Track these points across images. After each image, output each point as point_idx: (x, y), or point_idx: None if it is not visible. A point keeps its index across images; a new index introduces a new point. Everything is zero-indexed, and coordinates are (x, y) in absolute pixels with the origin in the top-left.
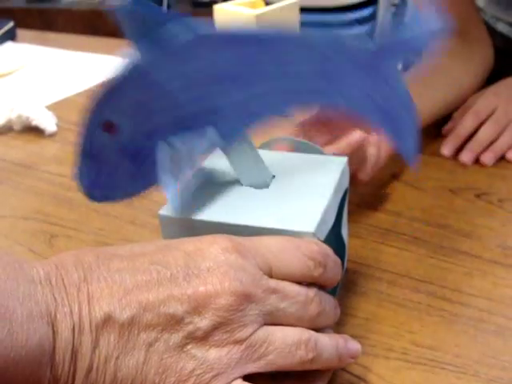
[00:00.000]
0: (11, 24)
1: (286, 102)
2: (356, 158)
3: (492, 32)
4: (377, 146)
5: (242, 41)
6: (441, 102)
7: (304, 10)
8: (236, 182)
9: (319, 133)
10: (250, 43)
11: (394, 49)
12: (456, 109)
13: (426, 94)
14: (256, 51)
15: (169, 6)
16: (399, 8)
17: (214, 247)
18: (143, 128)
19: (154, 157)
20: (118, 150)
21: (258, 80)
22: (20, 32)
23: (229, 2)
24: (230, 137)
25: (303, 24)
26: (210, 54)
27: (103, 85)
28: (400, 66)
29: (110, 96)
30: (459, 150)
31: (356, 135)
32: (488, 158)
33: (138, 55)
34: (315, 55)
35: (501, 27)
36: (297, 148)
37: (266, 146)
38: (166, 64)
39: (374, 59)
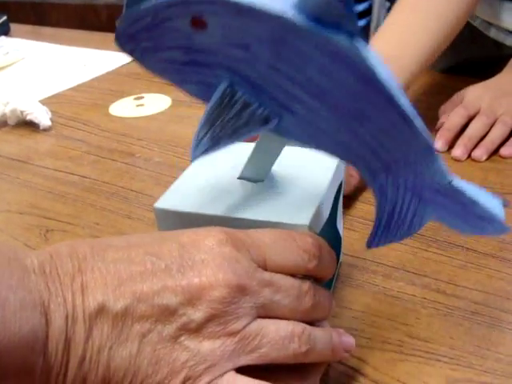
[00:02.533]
0: (4, 18)
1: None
2: None
3: (483, 39)
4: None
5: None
6: (435, 42)
7: None
8: (232, 175)
9: None
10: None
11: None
12: (449, 43)
13: (418, 39)
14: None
15: None
16: (394, 3)
17: (208, 239)
18: (230, 44)
19: (216, 83)
20: (197, 48)
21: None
22: (14, 26)
23: None
24: (281, 127)
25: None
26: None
27: None
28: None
29: None
30: (452, 144)
31: None
32: (480, 153)
33: None
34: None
35: (493, 33)
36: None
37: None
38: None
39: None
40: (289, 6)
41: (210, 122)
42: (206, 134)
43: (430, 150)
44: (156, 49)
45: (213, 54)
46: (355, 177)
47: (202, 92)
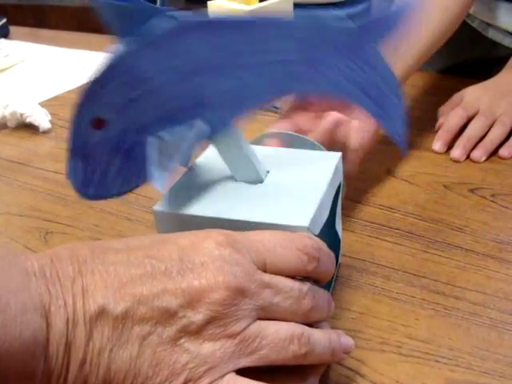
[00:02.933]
0: (4, 21)
1: (271, 90)
2: (338, 143)
3: (481, 39)
4: (359, 130)
5: (224, 28)
6: (437, 33)
7: (297, 5)
8: (230, 177)
9: (303, 119)
10: (232, 30)
11: (372, 29)
12: (450, 35)
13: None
14: (238, 39)
15: (163, 2)
16: None
17: (208, 242)
18: (132, 123)
19: (145, 152)
20: (108, 146)
21: (242, 68)
22: (13, 29)
23: None
24: (218, 128)
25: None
26: (194, 43)
27: (89, 81)
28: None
29: (96, 92)
30: (451, 145)
31: (329, 118)
32: (479, 154)
33: (123, 49)
34: (297, 41)
35: (491, 34)
36: (289, 142)
37: (258, 142)
38: (152, 56)
39: (355, 41)
40: None
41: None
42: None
43: None
44: (103, 175)
45: (123, 141)
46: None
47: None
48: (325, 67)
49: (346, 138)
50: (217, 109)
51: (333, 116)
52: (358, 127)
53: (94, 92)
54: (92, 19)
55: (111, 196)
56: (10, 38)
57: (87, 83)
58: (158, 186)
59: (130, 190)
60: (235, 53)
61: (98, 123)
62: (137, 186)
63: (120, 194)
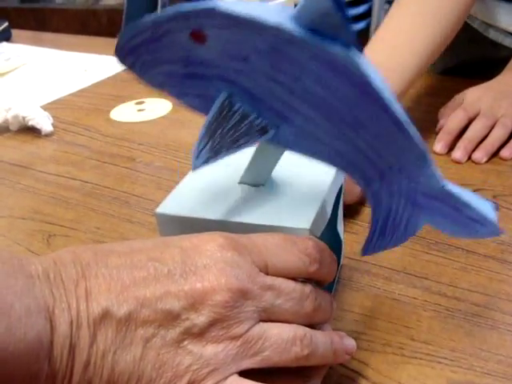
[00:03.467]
0: (6, 24)
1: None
2: None
3: (482, 40)
4: None
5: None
6: (433, 44)
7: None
8: (232, 179)
9: None
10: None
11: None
12: (446, 45)
13: (416, 41)
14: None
15: (164, 3)
16: None
17: (210, 244)
18: (228, 56)
19: (215, 95)
20: (196, 61)
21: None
22: (15, 32)
23: None
24: (281, 140)
25: None
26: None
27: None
28: None
29: (202, 8)
30: (452, 146)
31: None
32: (480, 155)
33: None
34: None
35: (492, 34)
36: None
37: None
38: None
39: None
40: (286, 18)
41: (210, 133)
42: (206, 144)
43: (423, 156)
44: (156, 62)
45: (212, 66)
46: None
47: (201, 104)
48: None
49: None
50: (295, 125)
51: None
52: None
53: (199, 7)
54: (93, 22)
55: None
56: (11, 42)
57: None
58: (196, 163)
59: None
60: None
61: (198, 36)
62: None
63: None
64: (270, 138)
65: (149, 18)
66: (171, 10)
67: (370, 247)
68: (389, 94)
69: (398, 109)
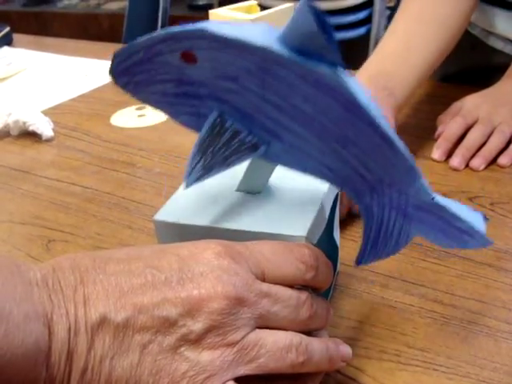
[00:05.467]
0: (7, 29)
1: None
2: None
3: (482, 47)
4: None
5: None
6: (435, 52)
7: None
8: (230, 187)
9: None
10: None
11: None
12: (448, 54)
13: (418, 50)
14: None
15: (165, 9)
16: (395, 11)
17: (207, 252)
18: (218, 76)
19: (207, 113)
20: (187, 81)
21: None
22: (16, 37)
23: (224, 7)
24: (271, 156)
25: None
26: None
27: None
28: None
29: (192, 30)
30: (450, 153)
31: None
32: (478, 162)
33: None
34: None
35: (492, 41)
36: None
37: None
38: (243, 63)
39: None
40: (273, 39)
41: (202, 150)
42: (199, 162)
43: (412, 169)
44: (148, 82)
45: (203, 85)
46: (344, 205)
47: (194, 122)
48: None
49: None
50: (273, 134)
51: None
52: None
53: (189, 28)
54: (95, 26)
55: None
56: (13, 46)
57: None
58: (188, 181)
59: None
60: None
61: (188, 56)
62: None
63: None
64: (261, 154)
65: (140, 39)
66: (162, 31)
67: (363, 258)
68: (376, 110)
69: (385, 124)
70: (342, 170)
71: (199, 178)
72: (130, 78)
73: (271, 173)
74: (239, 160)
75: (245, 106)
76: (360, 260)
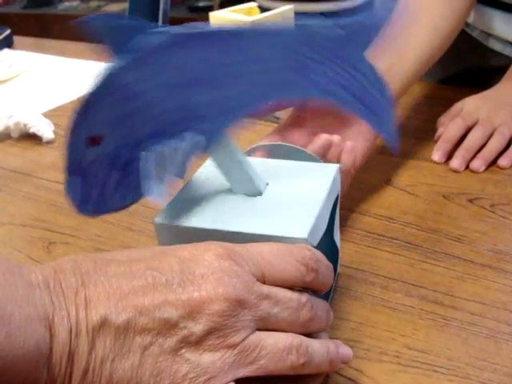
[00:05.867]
0: (8, 31)
1: (262, 98)
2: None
3: (482, 49)
4: (350, 152)
5: (211, 40)
6: (428, 53)
7: (299, 14)
8: (230, 189)
9: (296, 136)
10: (220, 41)
11: (359, 34)
12: (442, 54)
13: (411, 49)
14: (226, 50)
15: (165, 12)
16: None
17: (208, 254)
18: (127, 137)
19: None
20: (105, 162)
21: (229, 78)
22: (17, 39)
23: (224, 9)
24: (213, 139)
25: None
26: (181, 56)
27: (81, 101)
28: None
29: (90, 110)
30: (451, 155)
31: (320, 140)
32: (478, 164)
33: (113, 65)
34: (284, 49)
35: (491, 43)
36: (287, 154)
37: (247, 154)
38: (141, 71)
39: (342, 47)
40: None
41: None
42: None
43: None
44: (102, 190)
45: (117, 156)
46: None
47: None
48: (313, 73)
49: (337, 159)
50: (208, 120)
51: (323, 138)
52: (350, 148)
53: (87, 110)
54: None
55: (110, 211)
56: (14, 48)
57: (80, 103)
58: (156, 199)
59: (129, 205)
60: (222, 64)
61: (94, 140)
62: (134, 201)
63: (118, 208)
64: (205, 147)
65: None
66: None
67: (388, 136)
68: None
69: None
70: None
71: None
72: (89, 201)
73: (238, 161)
74: (187, 158)
75: (164, 125)
76: (390, 137)
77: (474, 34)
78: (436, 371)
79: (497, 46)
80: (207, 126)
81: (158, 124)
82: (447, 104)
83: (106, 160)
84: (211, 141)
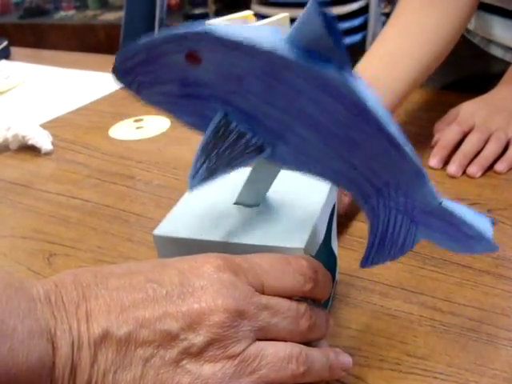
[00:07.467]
0: (5, 43)
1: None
2: None
3: (483, 55)
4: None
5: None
6: (423, 63)
7: (294, 20)
8: (228, 201)
9: None
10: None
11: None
12: (439, 63)
13: (405, 62)
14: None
15: (161, 19)
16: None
17: (207, 266)
18: (223, 77)
19: (211, 115)
20: (192, 82)
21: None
22: (14, 50)
23: (220, 17)
24: (277, 158)
25: None
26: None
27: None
28: None
29: (197, 31)
30: (447, 161)
31: None
32: (475, 169)
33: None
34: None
35: (492, 49)
36: None
37: None
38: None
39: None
40: (279, 41)
41: (206, 152)
42: (203, 164)
43: (419, 173)
44: (152, 83)
45: (207, 87)
46: (348, 195)
47: (198, 123)
48: None
49: None
50: (284, 139)
51: None
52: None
53: (194, 28)
54: (91, 37)
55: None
56: (11, 59)
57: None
58: (193, 183)
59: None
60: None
61: (193, 57)
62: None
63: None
64: (266, 156)
65: (144, 39)
66: (166, 32)
67: (368, 260)
68: (384, 113)
69: (394, 128)
70: (348, 173)
71: (203, 181)
72: (133, 78)
73: (272, 181)
74: (244, 162)
75: (249, 109)
76: (365, 262)
77: (475, 40)
78: (436, 377)
79: (498, 52)
80: (280, 143)
81: (253, 109)
82: (445, 110)
83: (193, 80)
84: (274, 158)
